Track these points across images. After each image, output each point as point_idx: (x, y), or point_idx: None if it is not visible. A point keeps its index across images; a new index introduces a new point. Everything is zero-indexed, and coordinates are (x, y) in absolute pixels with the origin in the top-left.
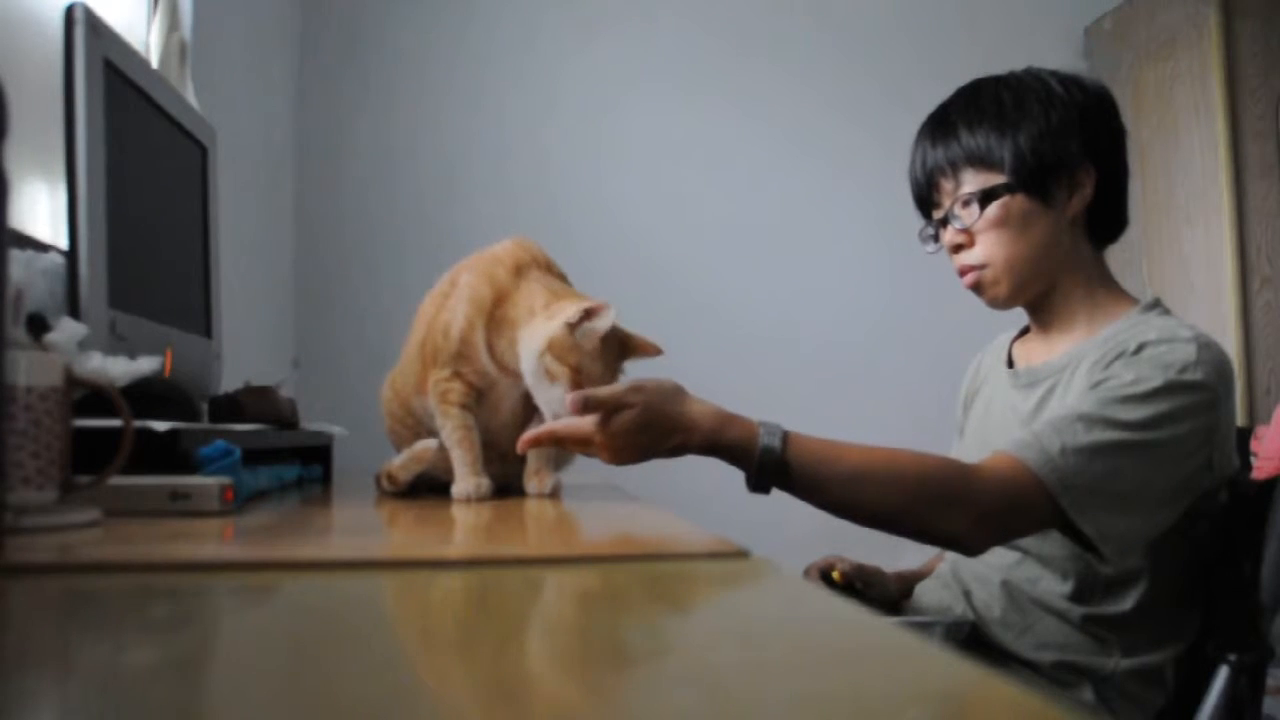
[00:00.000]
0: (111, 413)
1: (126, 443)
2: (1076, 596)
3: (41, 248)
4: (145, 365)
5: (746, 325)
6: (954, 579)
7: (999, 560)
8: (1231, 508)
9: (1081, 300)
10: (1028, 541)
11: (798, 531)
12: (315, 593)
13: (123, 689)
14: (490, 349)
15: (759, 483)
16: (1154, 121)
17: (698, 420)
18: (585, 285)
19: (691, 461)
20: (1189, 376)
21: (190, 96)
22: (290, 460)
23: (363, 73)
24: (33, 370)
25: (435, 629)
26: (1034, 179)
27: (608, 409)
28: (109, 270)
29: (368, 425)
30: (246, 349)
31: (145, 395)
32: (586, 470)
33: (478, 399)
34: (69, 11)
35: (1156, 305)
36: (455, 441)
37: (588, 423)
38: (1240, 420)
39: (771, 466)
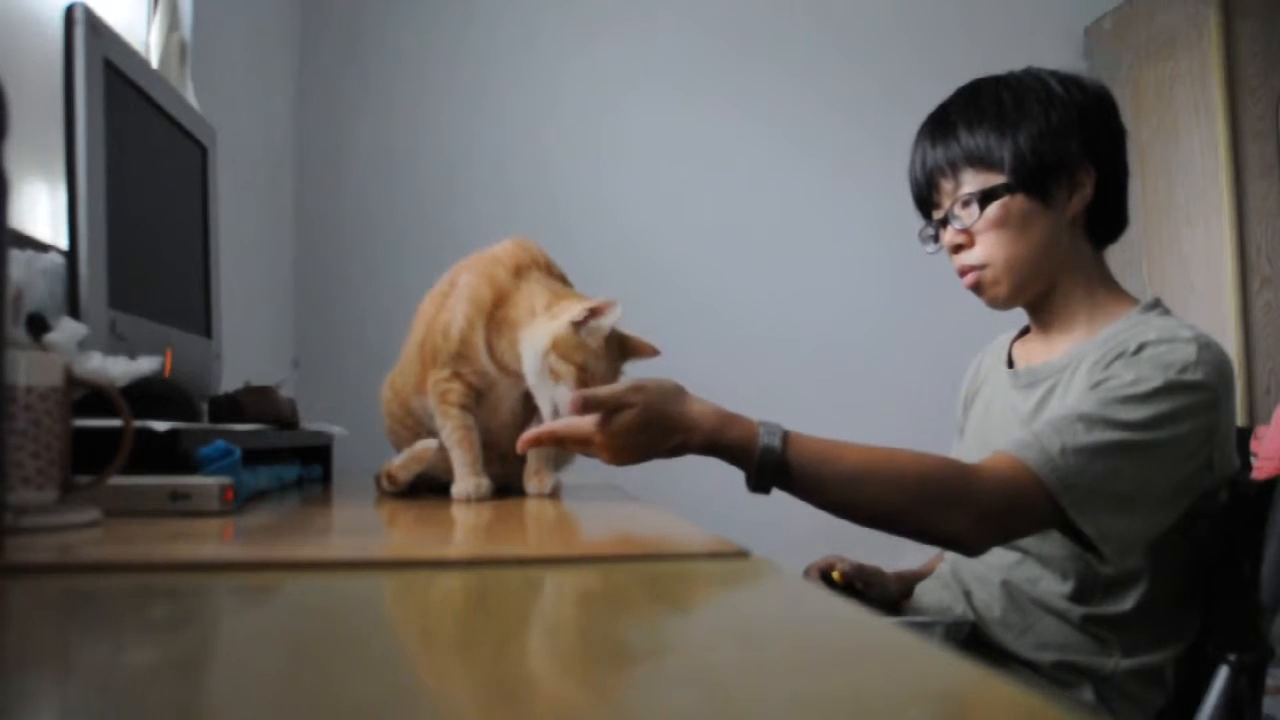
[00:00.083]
0: (111, 413)
1: (126, 443)
2: (1076, 596)
3: (41, 248)
4: (145, 365)
5: (746, 325)
6: (954, 579)
7: (999, 560)
8: (1231, 508)
9: (1081, 300)
10: (1028, 542)
11: (798, 531)
12: (315, 593)
13: (123, 689)
14: (490, 349)
15: (759, 483)
16: (1154, 121)
17: (698, 420)
18: (585, 285)
19: (691, 461)
20: (1189, 377)
21: (190, 96)
22: (290, 460)
23: (363, 73)
24: (33, 370)
25: (435, 629)
26: (1034, 179)
27: (608, 409)
28: (109, 270)
29: (368, 425)
30: (246, 349)
31: (145, 395)
32: (586, 470)
33: (477, 399)
34: (69, 11)
35: (1156, 305)
36: (455, 441)
37: (588, 422)
38: (1240, 420)
39: (772, 467)
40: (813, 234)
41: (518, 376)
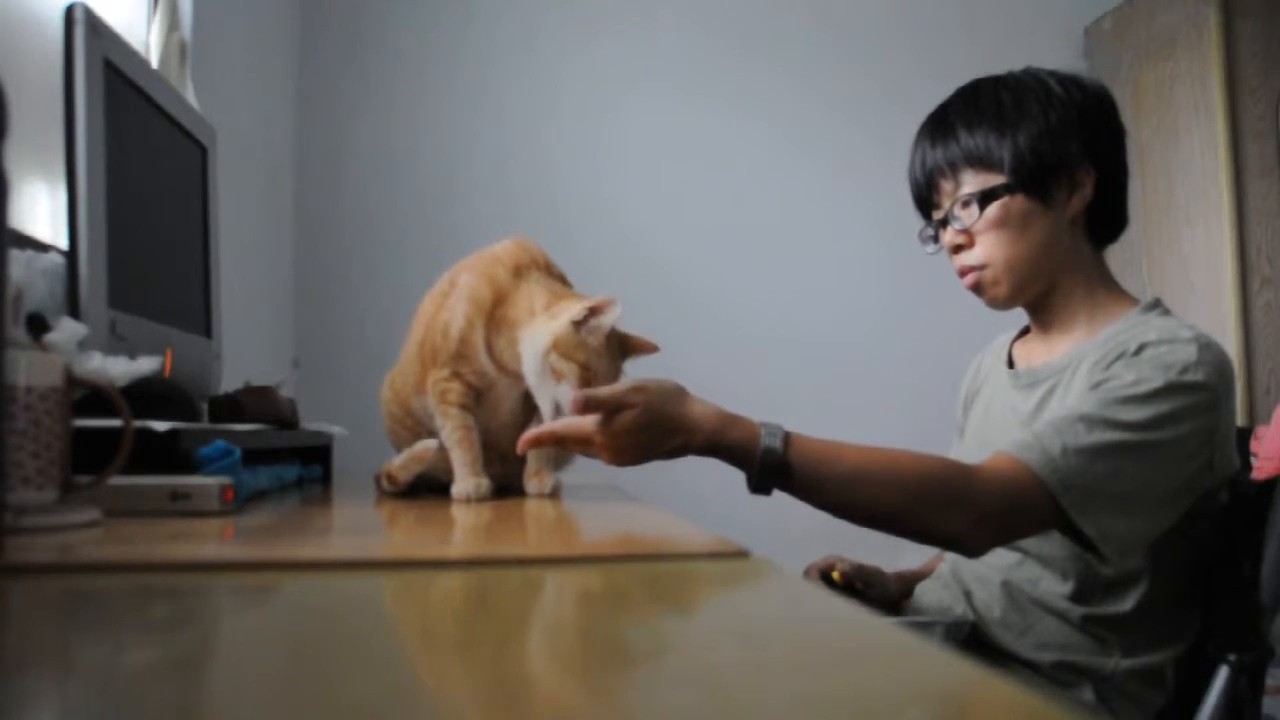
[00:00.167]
0: (111, 413)
1: (126, 443)
2: (1077, 597)
3: (41, 248)
4: (145, 365)
5: (746, 325)
6: (954, 579)
7: (999, 561)
8: (1231, 508)
9: (1081, 300)
10: (1028, 542)
11: (798, 531)
12: (315, 593)
13: (123, 689)
14: (490, 349)
15: (760, 484)
16: (1154, 121)
17: (699, 421)
18: (585, 285)
19: (691, 462)
20: (1190, 377)
21: (190, 96)
22: (290, 460)
23: (363, 73)
24: (33, 370)
25: (435, 629)
26: (1033, 179)
27: (609, 409)
28: (109, 270)
29: (368, 425)
30: (246, 349)
31: (145, 395)
32: (586, 470)
33: (477, 399)
34: (69, 11)
35: (1157, 305)
36: (455, 441)
37: (589, 422)
38: (1240, 420)
39: (773, 468)
40: (813, 234)
41: (517, 376)
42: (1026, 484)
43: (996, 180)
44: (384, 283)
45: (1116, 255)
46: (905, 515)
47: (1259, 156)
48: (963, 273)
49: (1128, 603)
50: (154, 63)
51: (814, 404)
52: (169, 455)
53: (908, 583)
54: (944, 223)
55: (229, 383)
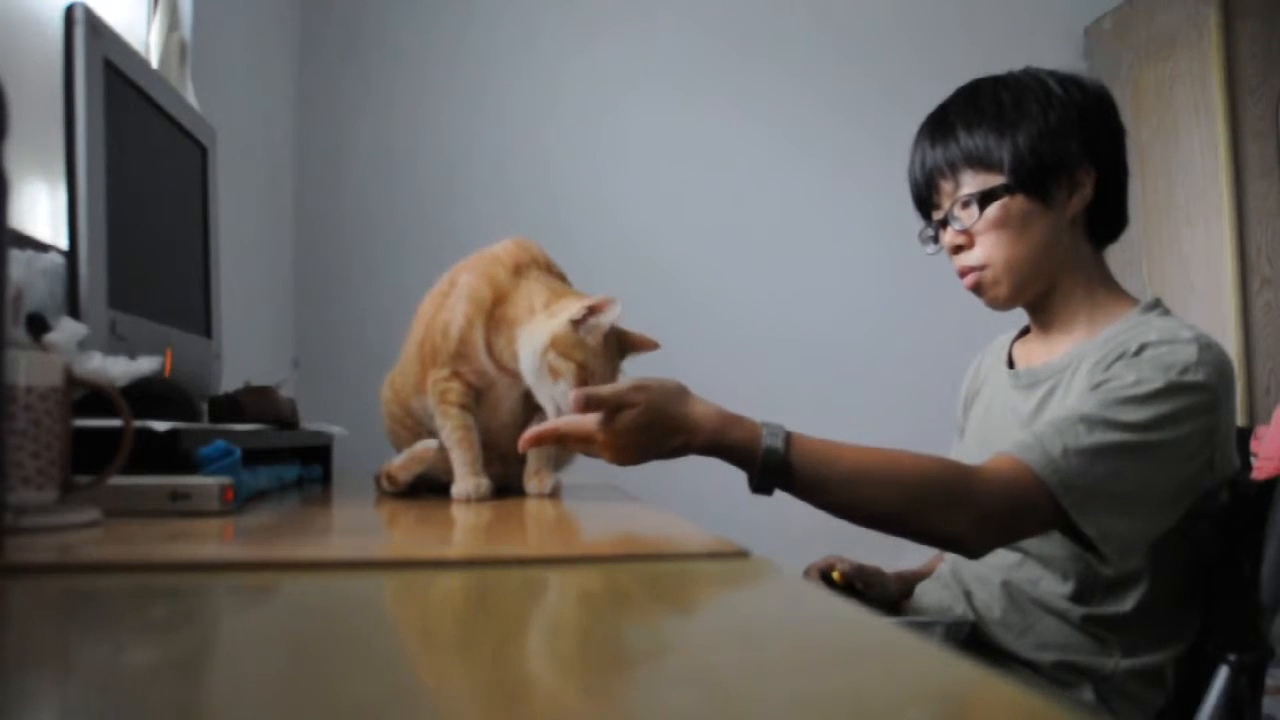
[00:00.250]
0: (111, 413)
1: (126, 443)
2: (1077, 597)
3: (41, 248)
4: (145, 365)
5: (746, 325)
6: (954, 579)
7: (999, 561)
8: (1231, 508)
9: (1081, 300)
10: (1029, 542)
11: (798, 531)
12: (315, 593)
13: (123, 689)
14: (489, 348)
15: (761, 484)
16: (1154, 121)
17: (701, 421)
18: (585, 285)
19: (692, 461)
20: (1190, 378)
21: (190, 96)
22: (290, 460)
23: (363, 73)
24: (33, 370)
25: (435, 629)
26: (1033, 179)
27: (610, 407)
28: (109, 270)
29: (368, 425)
30: (246, 349)
31: (145, 395)
32: (586, 470)
33: (477, 399)
34: (69, 11)
35: (1157, 305)
36: (455, 441)
37: (590, 421)
38: (1240, 420)
39: (774, 468)
40: (813, 234)
41: (517, 376)
42: (1027, 485)
43: (996, 180)
44: (384, 283)
45: (1116, 255)
46: (906, 516)
47: (1259, 156)
48: (963, 273)
49: (1128, 603)
50: (154, 63)
51: (814, 404)
52: (169, 455)
53: (908, 583)
54: (944, 223)
55: (229, 383)
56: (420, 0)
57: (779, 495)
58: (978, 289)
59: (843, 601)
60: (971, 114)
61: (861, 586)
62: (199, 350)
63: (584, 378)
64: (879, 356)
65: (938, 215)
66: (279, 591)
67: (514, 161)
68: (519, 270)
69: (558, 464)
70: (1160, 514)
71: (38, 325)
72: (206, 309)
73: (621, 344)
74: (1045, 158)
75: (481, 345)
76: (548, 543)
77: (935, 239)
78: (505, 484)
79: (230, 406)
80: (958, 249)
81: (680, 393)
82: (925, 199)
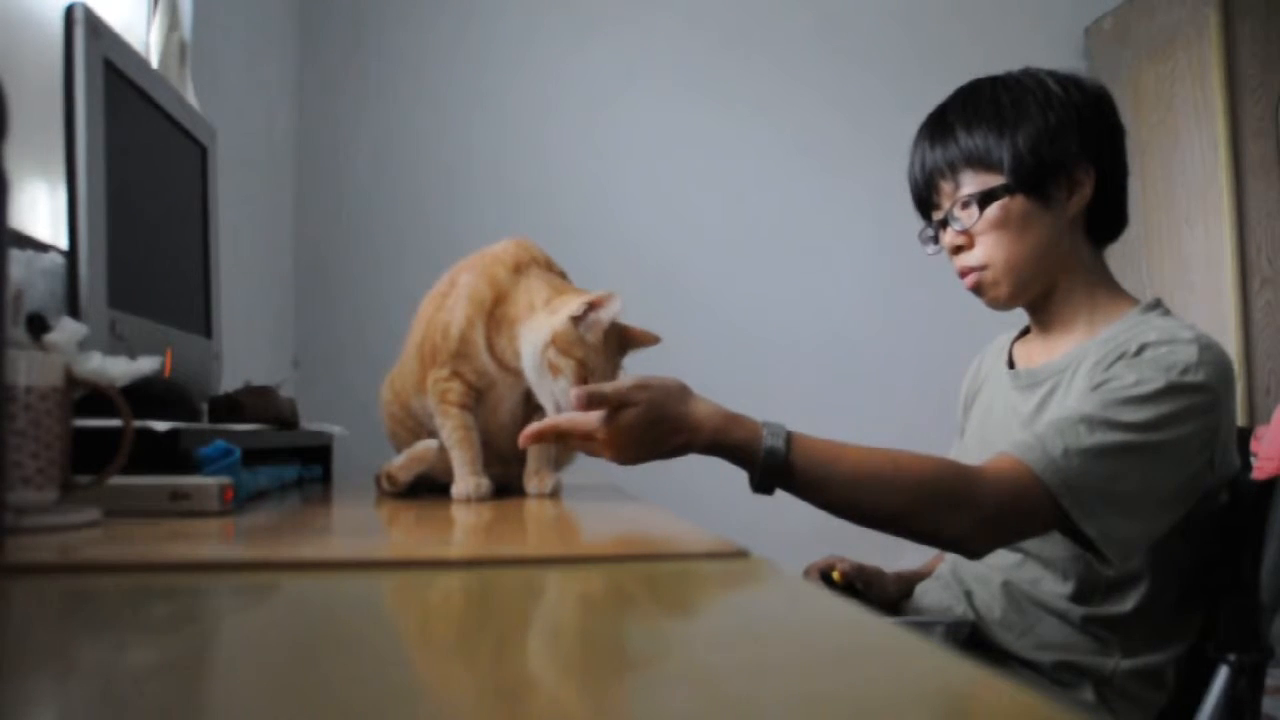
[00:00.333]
0: (111, 413)
1: (126, 443)
2: (1077, 597)
3: (41, 248)
4: (145, 365)
5: (746, 325)
6: (954, 580)
7: (1000, 561)
8: (1231, 508)
9: (1082, 300)
10: (1029, 543)
11: (798, 531)
12: (315, 593)
13: (123, 689)
14: (490, 347)
15: (762, 484)
16: (1154, 121)
17: (702, 420)
18: (585, 284)
19: (692, 461)
20: (1190, 378)
21: (190, 96)
22: (290, 460)
23: (363, 73)
24: (33, 370)
25: (435, 629)
26: (1033, 180)
27: (612, 406)
28: (109, 270)
29: (368, 425)
30: (246, 349)
31: (145, 395)
32: (586, 470)
33: (477, 399)
34: (69, 11)
35: (1157, 305)
36: (455, 441)
37: (592, 419)
38: (1240, 420)
39: (775, 468)
40: (813, 233)
41: (518, 374)
42: (1028, 485)
43: (996, 181)
44: (384, 283)
45: (1116, 255)
46: (907, 516)
47: (1259, 156)
48: (963, 273)
49: (1128, 603)
50: (154, 63)
51: (814, 404)
52: (169, 455)
53: (908, 583)
54: (944, 223)
55: (229, 383)
56: (420, 0)
57: (779, 495)
58: (978, 289)
59: (843, 601)
60: (971, 114)
61: (861, 586)
62: (199, 350)
63: (584, 375)
64: (879, 356)
65: (938, 216)
66: (279, 591)
67: (514, 161)
68: (519, 269)
69: (558, 464)
70: (1161, 514)
71: (38, 325)
72: (206, 309)
73: (622, 340)
74: (1045, 158)
75: (482, 345)
76: (548, 543)
77: (935, 239)
78: (505, 484)
79: (230, 406)
80: (958, 249)
81: (682, 392)
82: (925, 199)
